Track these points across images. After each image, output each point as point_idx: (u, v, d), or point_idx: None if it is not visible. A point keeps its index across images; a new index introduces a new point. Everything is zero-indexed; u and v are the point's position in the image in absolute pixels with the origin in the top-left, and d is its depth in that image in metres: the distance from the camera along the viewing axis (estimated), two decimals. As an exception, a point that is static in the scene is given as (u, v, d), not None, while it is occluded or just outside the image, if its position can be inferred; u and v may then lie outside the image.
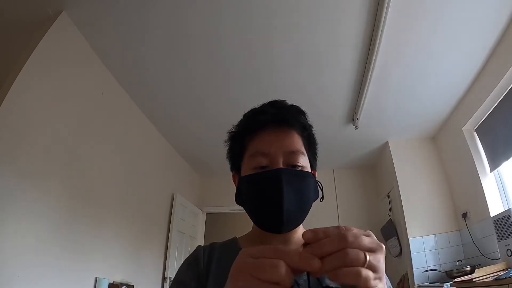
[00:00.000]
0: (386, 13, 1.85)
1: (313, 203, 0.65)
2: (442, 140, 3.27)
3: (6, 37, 2.00)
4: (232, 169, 0.69)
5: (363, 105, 2.73)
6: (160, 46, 2.19)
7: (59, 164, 1.86)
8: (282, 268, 0.31)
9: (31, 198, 1.64)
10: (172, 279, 0.61)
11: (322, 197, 0.67)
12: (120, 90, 2.58)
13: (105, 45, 2.17)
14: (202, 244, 0.68)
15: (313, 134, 0.68)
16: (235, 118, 0.71)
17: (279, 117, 0.62)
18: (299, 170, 0.60)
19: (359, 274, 0.31)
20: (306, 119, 0.66)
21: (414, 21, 1.98)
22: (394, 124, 3.20)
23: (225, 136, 0.71)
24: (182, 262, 0.64)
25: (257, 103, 0.69)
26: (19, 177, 1.58)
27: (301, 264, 0.31)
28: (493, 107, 2.44)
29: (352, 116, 3.03)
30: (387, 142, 3.52)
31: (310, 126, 0.67)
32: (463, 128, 2.78)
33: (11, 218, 1.51)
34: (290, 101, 0.66)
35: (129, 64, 2.36)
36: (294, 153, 0.60)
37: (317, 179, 0.66)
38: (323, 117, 3.05)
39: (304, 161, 0.61)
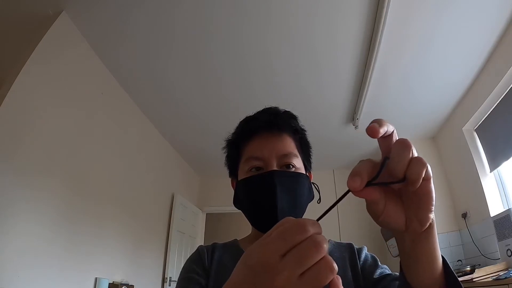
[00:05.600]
0: (386, 13, 1.85)
1: (313, 205, 0.66)
2: (442, 140, 3.27)
3: (6, 37, 2.00)
4: (230, 174, 0.72)
5: (363, 105, 2.73)
6: (160, 46, 2.18)
7: (59, 164, 1.86)
8: (323, 241, 0.26)
9: (31, 198, 1.64)
10: (178, 279, 0.61)
11: (320, 199, 0.68)
12: (120, 90, 2.58)
13: (105, 45, 2.17)
14: (202, 244, 0.69)
15: (306, 137, 0.70)
16: (234, 118, 0.72)
17: (271, 123, 0.64)
18: (292, 171, 0.62)
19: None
20: (298, 123, 0.68)
21: (414, 21, 1.98)
22: (394, 124, 3.10)
23: (225, 135, 0.73)
24: (182, 262, 0.65)
25: (256, 104, 0.70)
26: (19, 178, 1.58)
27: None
28: (493, 107, 2.43)
29: (352, 116, 3.03)
30: (387, 142, 3.51)
31: (303, 130, 0.69)
32: (463, 128, 2.78)
33: (11, 218, 1.51)
34: (289, 102, 0.68)
35: (129, 64, 2.36)
36: (287, 156, 0.62)
37: (314, 181, 0.68)
38: (323, 117, 3.05)
39: (297, 163, 0.63)
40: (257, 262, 0.27)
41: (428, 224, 0.32)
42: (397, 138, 0.32)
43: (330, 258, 0.26)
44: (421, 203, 0.31)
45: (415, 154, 0.30)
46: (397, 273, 0.54)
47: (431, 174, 0.30)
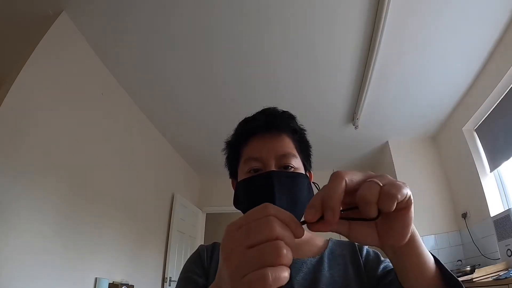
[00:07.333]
0: (386, 13, 1.85)
1: None
2: (442, 140, 3.27)
3: (6, 37, 2.00)
4: (230, 176, 0.72)
5: (363, 105, 2.73)
6: (160, 46, 2.18)
7: (59, 164, 1.85)
8: (274, 222, 0.26)
9: (31, 198, 1.64)
10: (178, 278, 0.61)
11: None
12: (120, 90, 2.58)
13: (105, 45, 2.17)
14: (203, 244, 0.69)
15: (305, 137, 0.70)
16: (234, 118, 0.72)
17: (269, 123, 0.64)
18: (290, 172, 0.62)
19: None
20: (297, 123, 0.68)
21: (414, 21, 1.98)
22: (394, 124, 3.20)
23: (225, 135, 0.73)
24: (182, 262, 0.65)
25: (256, 104, 0.70)
26: (19, 177, 1.58)
27: (291, 218, 0.28)
28: (493, 107, 2.44)
29: (352, 116, 3.03)
30: (387, 142, 3.52)
31: (302, 129, 0.69)
32: (463, 128, 2.78)
33: (12, 218, 1.51)
34: (290, 102, 0.68)
35: (129, 64, 2.36)
36: (285, 156, 0.62)
37: (315, 180, 0.68)
38: (323, 118, 3.05)
39: (296, 163, 0.63)
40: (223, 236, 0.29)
41: (406, 239, 0.30)
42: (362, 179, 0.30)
43: (281, 243, 0.26)
44: (398, 220, 0.30)
45: (383, 184, 0.28)
46: None
47: (407, 193, 0.28)
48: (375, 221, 0.28)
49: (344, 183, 0.29)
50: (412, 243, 0.33)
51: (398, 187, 0.28)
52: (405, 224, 0.29)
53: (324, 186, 0.30)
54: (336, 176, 0.29)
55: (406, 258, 0.35)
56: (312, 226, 0.29)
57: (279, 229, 0.26)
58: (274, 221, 0.27)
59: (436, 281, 0.37)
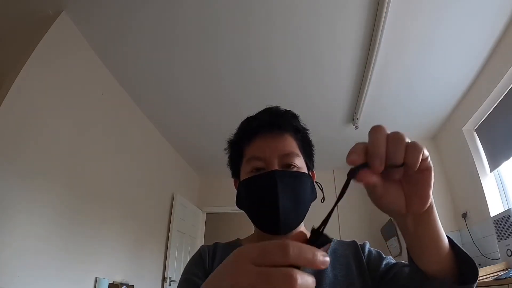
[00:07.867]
0: (386, 13, 1.85)
1: (314, 204, 0.66)
2: (442, 140, 3.27)
3: (6, 37, 2.00)
4: (233, 175, 0.72)
5: (363, 105, 2.73)
6: (160, 45, 2.18)
7: (59, 165, 1.85)
8: (297, 278, 0.24)
9: (31, 198, 1.64)
10: (179, 280, 0.61)
11: (323, 198, 0.68)
12: (120, 90, 2.58)
13: (105, 45, 2.17)
14: (203, 244, 0.69)
15: (308, 136, 0.69)
16: (235, 118, 0.72)
17: (272, 122, 0.64)
18: (293, 171, 0.62)
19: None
20: (299, 122, 0.68)
21: (414, 21, 1.98)
22: (394, 124, 3.20)
23: (225, 135, 0.73)
24: (182, 262, 0.65)
25: (257, 103, 0.70)
26: (19, 178, 1.58)
27: (314, 263, 0.26)
28: (493, 107, 2.43)
29: (352, 116, 3.03)
30: (387, 142, 3.51)
31: (305, 129, 0.69)
32: (463, 128, 2.78)
33: (11, 218, 1.51)
34: (290, 102, 0.68)
35: (129, 64, 2.36)
36: (288, 155, 0.62)
37: (316, 180, 0.68)
38: (323, 117, 3.05)
39: (299, 162, 0.63)
40: (230, 260, 0.27)
41: (428, 203, 0.34)
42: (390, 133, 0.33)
43: None
44: (421, 181, 0.33)
45: (409, 141, 0.32)
46: (405, 262, 0.55)
47: (428, 154, 0.33)
48: (401, 167, 0.32)
49: (386, 133, 0.32)
50: (431, 211, 0.36)
51: (421, 144, 0.32)
52: (427, 185, 0.33)
53: (357, 144, 0.33)
54: (378, 128, 0.32)
55: (425, 228, 0.36)
56: (358, 174, 0.32)
57: (300, 284, 0.24)
58: (297, 276, 0.24)
59: (449, 259, 0.38)
